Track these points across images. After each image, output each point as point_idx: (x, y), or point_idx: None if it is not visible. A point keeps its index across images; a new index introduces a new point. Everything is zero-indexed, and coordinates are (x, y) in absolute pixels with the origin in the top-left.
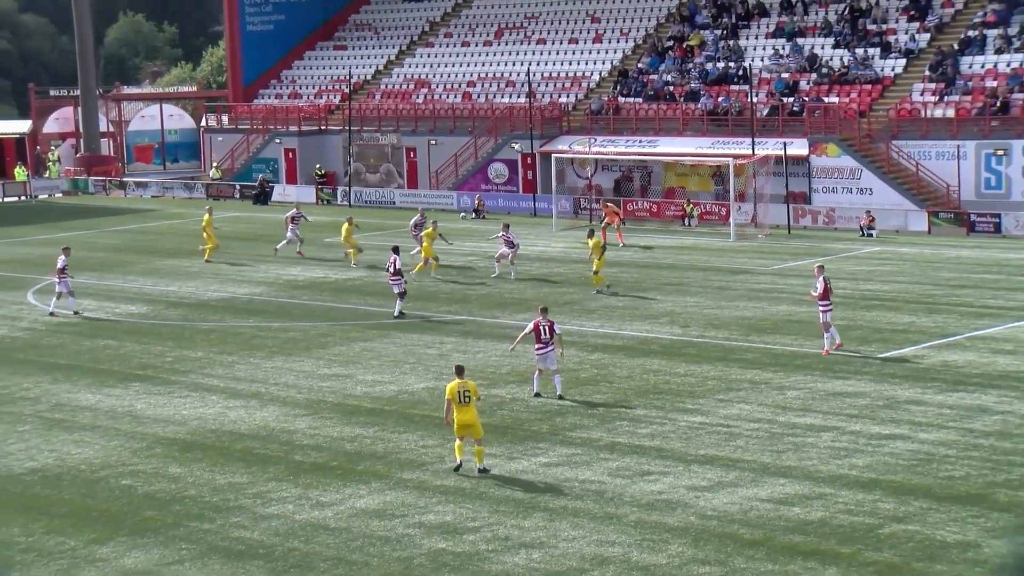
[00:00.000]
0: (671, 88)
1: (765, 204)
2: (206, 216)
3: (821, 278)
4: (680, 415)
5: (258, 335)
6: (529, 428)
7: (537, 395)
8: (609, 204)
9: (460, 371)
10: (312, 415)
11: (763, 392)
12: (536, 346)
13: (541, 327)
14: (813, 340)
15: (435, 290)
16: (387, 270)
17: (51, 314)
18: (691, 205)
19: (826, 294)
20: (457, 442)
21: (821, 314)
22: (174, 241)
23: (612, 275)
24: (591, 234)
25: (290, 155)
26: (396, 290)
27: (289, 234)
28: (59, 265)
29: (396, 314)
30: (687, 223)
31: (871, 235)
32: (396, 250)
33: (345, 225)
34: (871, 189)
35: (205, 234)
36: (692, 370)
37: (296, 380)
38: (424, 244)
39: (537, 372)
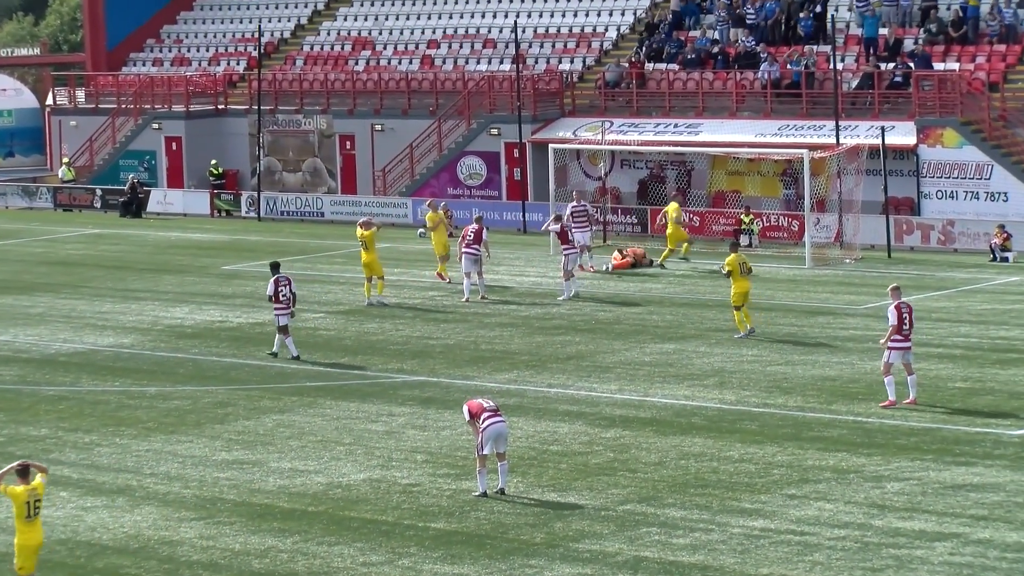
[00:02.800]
0: (719, 50)
1: (855, 215)
2: None
3: (895, 305)
4: (733, 518)
5: (127, 404)
6: (517, 537)
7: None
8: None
9: (24, 472)
10: (205, 519)
11: (852, 485)
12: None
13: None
14: (922, 411)
15: (381, 338)
16: (271, 297)
17: None
18: (749, 216)
19: (899, 327)
20: None
21: (893, 353)
22: (7, 270)
23: (625, 315)
24: (734, 247)
25: (173, 146)
26: (280, 321)
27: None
28: None
29: (273, 351)
30: (743, 242)
31: (1006, 259)
32: (276, 267)
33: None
34: (1006, 194)
35: None
36: (750, 453)
37: (182, 469)
38: (368, 253)
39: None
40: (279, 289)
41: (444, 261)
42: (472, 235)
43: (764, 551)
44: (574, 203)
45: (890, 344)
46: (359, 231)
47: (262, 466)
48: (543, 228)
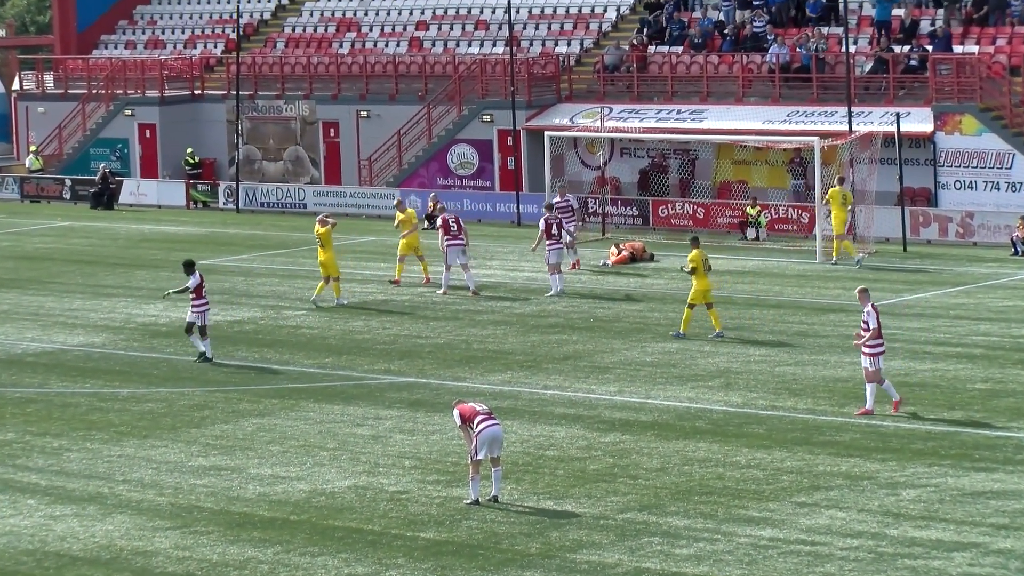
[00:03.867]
0: (725, 31)
1: (868, 207)
2: None
3: (870, 306)
4: (740, 527)
5: (98, 407)
6: (511, 547)
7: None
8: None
9: None
10: (180, 529)
11: (865, 492)
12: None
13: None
14: (939, 410)
15: (367, 337)
16: (188, 290)
17: None
18: (756, 208)
19: (880, 329)
20: None
21: (877, 358)
22: None
23: (625, 312)
24: (695, 243)
25: (147, 134)
26: (191, 317)
27: None
28: None
29: (201, 357)
30: (750, 235)
31: None
32: (191, 265)
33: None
34: None
35: None
36: (758, 459)
37: (156, 475)
38: (324, 252)
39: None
40: (203, 285)
41: (402, 261)
42: (454, 224)
43: (772, 562)
44: (558, 198)
45: (865, 350)
46: (316, 228)
47: (241, 472)
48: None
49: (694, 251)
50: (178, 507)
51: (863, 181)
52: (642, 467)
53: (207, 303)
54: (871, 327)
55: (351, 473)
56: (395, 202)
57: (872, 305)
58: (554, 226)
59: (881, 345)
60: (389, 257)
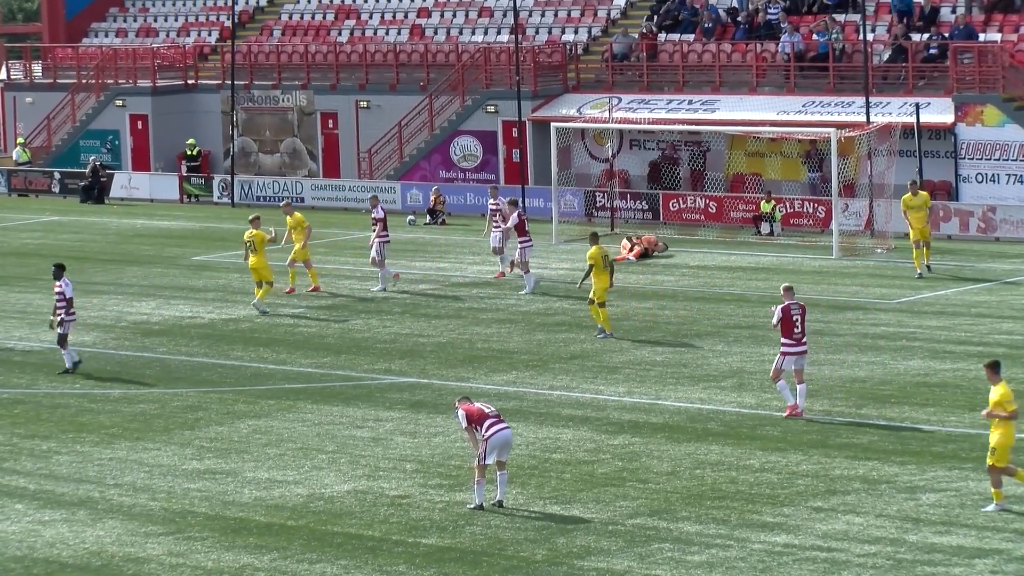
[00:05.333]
0: (740, 19)
1: (887, 201)
2: None
3: (784, 306)
4: (754, 533)
5: (89, 408)
6: (516, 554)
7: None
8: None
9: None
10: (174, 534)
11: (884, 496)
12: None
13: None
14: (960, 412)
15: (367, 336)
16: (70, 301)
17: None
18: (770, 202)
19: (790, 330)
20: None
21: (786, 359)
22: None
23: (634, 310)
24: (594, 239)
25: (139, 125)
26: (64, 329)
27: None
28: None
29: (74, 367)
30: (764, 230)
31: None
32: (62, 269)
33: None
34: None
35: None
36: (772, 462)
37: (148, 479)
38: (256, 256)
39: None
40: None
41: (292, 265)
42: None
43: (787, 569)
44: (492, 200)
45: (781, 349)
46: (250, 231)
47: (236, 476)
48: (507, 223)
49: (593, 248)
50: (171, 512)
51: (881, 174)
52: (652, 471)
53: (75, 313)
54: (772, 324)
55: (350, 477)
56: (282, 204)
57: (786, 305)
58: (526, 223)
59: (803, 346)
60: (389, 253)
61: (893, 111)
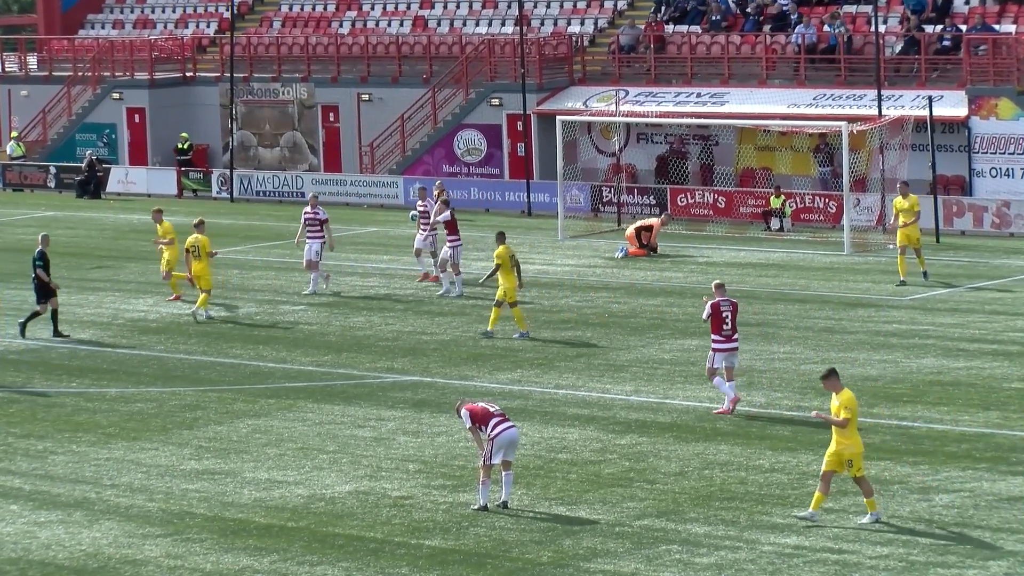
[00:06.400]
0: (750, 10)
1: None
2: None
3: (713, 302)
4: (763, 535)
5: (85, 408)
6: (521, 556)
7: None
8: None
9: None
10: (172, 535)
11: (896, 497)
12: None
13: None
14: (974, 411)
15: (369, 334)
16: None
17: None
18: (780, 197)
19: (719, 326)
20: None
21: (716, 356)
22: None
23: (641, 307)
24: (501, 238)
25: (136, 119)
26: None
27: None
28: None
29: None
30: (774, 226)
31: None
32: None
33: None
34: None
35: None
36: (782, 462)
37: (146, 480)
38: (199, 262)
39: None
40: None
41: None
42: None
43: (798, 571)
44: (419, 201)
45: (712, 346)
46: (194, 235)
47: (236, 477)
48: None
49: (500, 247)
50: (169, 513)
51: (893, 168)
52: (660, 471)
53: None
54: (703, 318)
55: (352, 477)
56: (152, 211)
57: (715, 302)
58: (456, 223)
59: (733, 343)
60: (391, 249)
61: (905, 104)
